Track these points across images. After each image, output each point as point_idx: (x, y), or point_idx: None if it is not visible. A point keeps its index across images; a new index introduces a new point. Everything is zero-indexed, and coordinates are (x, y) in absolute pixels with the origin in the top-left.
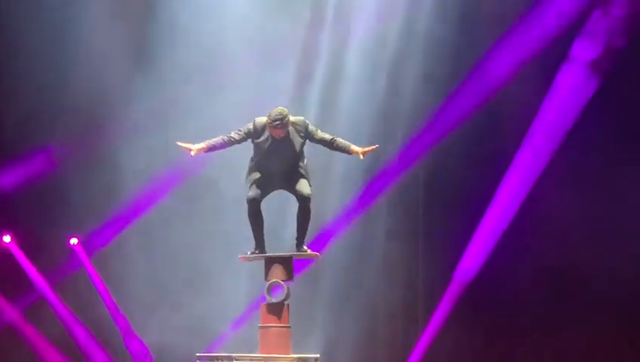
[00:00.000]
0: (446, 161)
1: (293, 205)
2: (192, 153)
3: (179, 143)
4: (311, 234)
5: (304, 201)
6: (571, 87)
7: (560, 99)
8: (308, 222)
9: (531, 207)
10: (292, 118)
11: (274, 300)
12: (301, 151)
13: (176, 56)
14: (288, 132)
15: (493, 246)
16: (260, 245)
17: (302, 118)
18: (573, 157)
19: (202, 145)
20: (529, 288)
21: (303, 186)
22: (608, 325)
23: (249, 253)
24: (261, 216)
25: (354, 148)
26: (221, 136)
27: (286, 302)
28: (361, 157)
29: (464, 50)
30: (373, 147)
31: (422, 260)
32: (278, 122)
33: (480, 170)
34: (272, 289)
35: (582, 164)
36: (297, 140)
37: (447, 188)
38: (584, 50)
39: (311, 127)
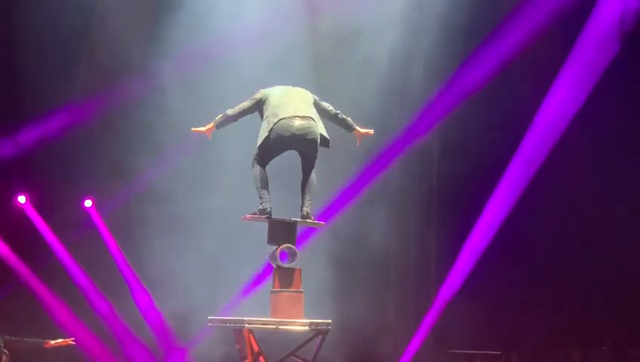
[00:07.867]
0: (460, 128)
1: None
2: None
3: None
4: (323, 200)
5: None
6: (592, 51)
7: (580, 65)
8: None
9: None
10: None
11: (284, 265)
12: None
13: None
14: None
15: (506, 213)
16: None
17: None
18: (593, 123)
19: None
20: (547, 254)
21: None
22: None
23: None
24: None
25: None
26: None
27: (298, 267)
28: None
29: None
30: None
31: (435, 226)
32: None
33: (495, 136)
34: (280, 253)
35: (602, 128)
36: None
37: (461, 155)
38: (602, 18)
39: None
